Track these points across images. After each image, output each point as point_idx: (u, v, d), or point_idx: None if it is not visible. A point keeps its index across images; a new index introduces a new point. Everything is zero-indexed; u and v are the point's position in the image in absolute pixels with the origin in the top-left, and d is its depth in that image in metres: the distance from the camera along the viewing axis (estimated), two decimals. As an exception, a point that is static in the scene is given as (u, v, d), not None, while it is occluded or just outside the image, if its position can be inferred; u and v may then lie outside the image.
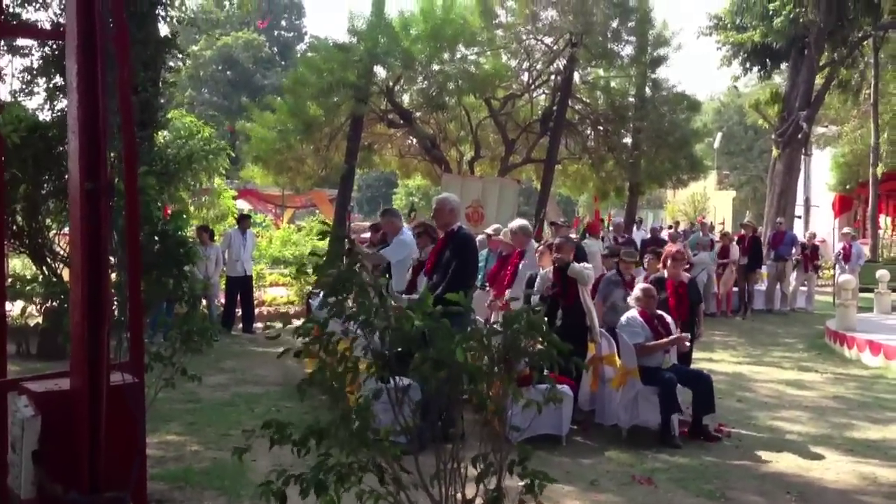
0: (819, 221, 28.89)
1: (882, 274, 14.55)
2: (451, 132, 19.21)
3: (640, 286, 7.21)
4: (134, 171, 3.15)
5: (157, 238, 6.08)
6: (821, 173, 30.14)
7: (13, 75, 10.92)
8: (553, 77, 18.19)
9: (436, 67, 16.06)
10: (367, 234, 11.73)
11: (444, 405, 3.83)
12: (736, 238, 16.34)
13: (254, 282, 13.79)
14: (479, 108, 18.27)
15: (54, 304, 8.90)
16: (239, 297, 12.70)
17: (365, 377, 3.74)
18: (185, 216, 7.76)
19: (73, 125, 2.30)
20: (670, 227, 22.42)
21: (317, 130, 16.05)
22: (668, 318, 7.21)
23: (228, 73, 49.49)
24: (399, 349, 3.44)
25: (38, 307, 9.80)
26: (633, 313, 7.10)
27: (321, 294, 7.62)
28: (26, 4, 11.36)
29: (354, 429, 3.23)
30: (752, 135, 43.20)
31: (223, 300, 12.94)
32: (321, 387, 3.34)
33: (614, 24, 17.37)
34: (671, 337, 7.06)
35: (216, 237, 13.33)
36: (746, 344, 12.38)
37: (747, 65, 23.99)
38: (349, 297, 3.50)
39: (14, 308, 9.80)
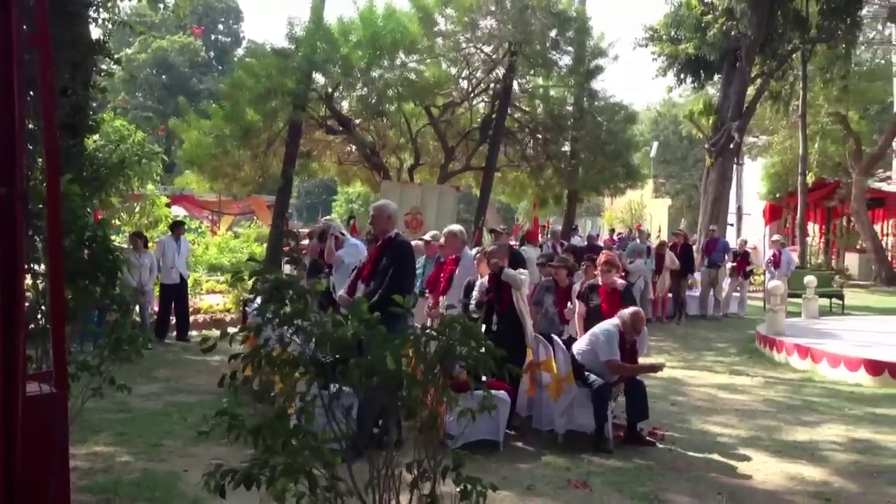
0: (750, 229, 29.69)
1: (810, 280, 15.01)
2: (391, 139, 19.21)
3: (631, 310, 7.11)
4: (56, 176, 3.04)
5: (85, 245, 5.89)
6: (752, 182, 31.02)
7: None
8: (492, 85, 18.36)
9: (375, 74, 16.05)
10: (305, 241, 11.66)
11: (378, 412, 3.81)
12: (669, 245, 16.67)
13: (190, 289, 13.52)
14: (418, 116, 18.31)
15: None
16: (173, 305, 12.43)
17: (297, 381, 3.68)
18: (112, 223, 7.57)
19: (-11, 126, 2.21)
20: (619, 235, 22.76)
21: (254, 136, 15.90)
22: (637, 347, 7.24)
23: (164, 77, 48.64)
24: (335, 356, 3.41)
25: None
26: (614, 330, 7.02)
27: (257, 300, 7.47)
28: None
29: (293, 428, 3.17)
30: (687, 144, 44.20)
31: (157, 308, 12.66)
32: (255, 394, 3.30)
33: (553, 33, 17.59)
34: (650, 363, 7.17)
35: (150, 244, 13.03)
36: (681, 349, 12.63)
37: (682, 76, 24.51)
38: (286, 303, 3.45)
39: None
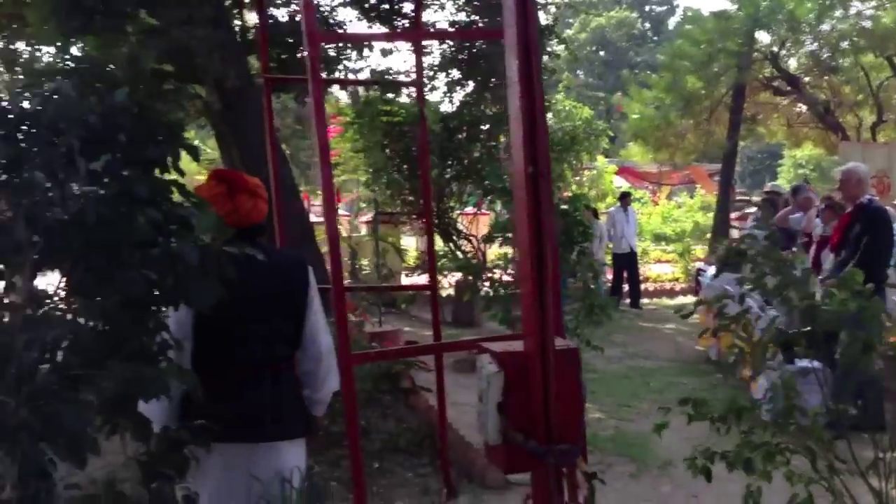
0: None
1: None
2: (847, 96, 17.67)
3: None
4: (547, 157, 3.41)
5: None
6: None
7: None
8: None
9: (826, 27, 15.00)
10: (750, 210, 11.30)
11: (877, 390, 3.53)
12: None
13: (639, 258, 13.90)
14: (879, 68, 16.57)
15: (466, 277, 9.89)
16: (625, 274, 12.92)
17: (771, 356, 3.56)
18: (583, 199, 8.20)
19: (516, 115, 2.55)
20: None
21: (696, 104, 15.95)
22: None
23: (601, 53, 50.25)
24: (822, 329, 3.26)
25: (449, 280, 10.95)
26: None
27: (710, 270, 7.40)
28: (426, 7, 12.60)
29: (780, 408, 3.11)
30: None
31: (609, 276, 13.25)
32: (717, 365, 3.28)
33: None
34: None
35: (599, 215, 13.67)
36: None
37: None
38: (767, 272, 3.39)
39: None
